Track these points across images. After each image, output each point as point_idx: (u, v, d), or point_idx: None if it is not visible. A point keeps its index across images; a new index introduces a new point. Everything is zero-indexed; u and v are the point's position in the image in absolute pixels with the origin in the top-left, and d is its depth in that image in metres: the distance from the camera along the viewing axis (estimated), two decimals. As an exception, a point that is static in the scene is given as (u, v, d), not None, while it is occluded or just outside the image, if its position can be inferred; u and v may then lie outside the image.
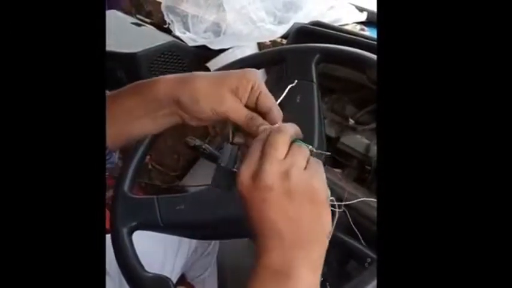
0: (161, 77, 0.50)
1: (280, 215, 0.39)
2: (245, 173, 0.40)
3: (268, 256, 0.39)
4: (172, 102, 0.49)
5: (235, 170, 0.46)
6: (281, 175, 0.39)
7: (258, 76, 0.48)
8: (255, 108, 0.48)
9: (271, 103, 0.48)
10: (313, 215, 0.39)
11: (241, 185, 0.40)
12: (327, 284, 0.56)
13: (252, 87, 0.47)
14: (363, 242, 0.55)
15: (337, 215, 0.43)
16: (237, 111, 0.47)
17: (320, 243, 0.40)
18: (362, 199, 0.62)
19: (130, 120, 0.51)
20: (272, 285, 0.38)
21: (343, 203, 0.54)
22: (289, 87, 0.56)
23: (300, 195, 0.39)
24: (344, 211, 0.56)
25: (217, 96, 0.47)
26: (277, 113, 0.48)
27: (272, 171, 0.38)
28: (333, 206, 0.42)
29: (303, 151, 0.41)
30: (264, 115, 0.48)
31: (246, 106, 0.48)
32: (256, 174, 0.39)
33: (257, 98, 0.48)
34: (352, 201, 0.61)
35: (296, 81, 0.57)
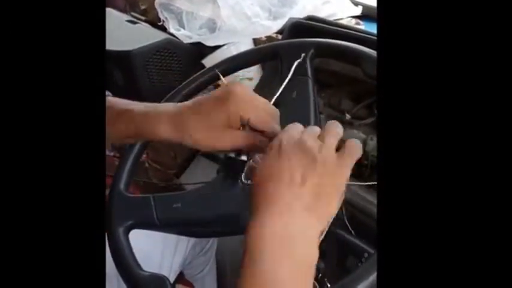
0: (155, 118, 0.52)
1: (309, 176, 0.40)
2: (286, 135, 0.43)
3: (272, 221, 0.39)
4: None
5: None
6: (318, 145, 0.43)
7: (242, 97, 0.49)
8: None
9: (263, 125, 0.49)
10: (334, 186, 0.41)
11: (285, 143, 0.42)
12: (325, 279, 0.56)
13: (241, 117, 0.49)
14: (353, 234, 0.55)
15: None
16: (236, 143, 0.50)
17: (327, 217, 0.41)
18: (359, 183, 0.61)
19: (120, 139, 0.56)
20: (277, 249, 0.39)
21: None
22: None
23: (329, 167, 0.41)
24: (341, 206, 0.56)
25: (214, 137, 0.50)
26: (273, 130, 0.49)
27: (311, 139, 0.43)
28: None
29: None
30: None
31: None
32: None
33: (248, 122, 0.49)
34: (353, 183, 0.61)
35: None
